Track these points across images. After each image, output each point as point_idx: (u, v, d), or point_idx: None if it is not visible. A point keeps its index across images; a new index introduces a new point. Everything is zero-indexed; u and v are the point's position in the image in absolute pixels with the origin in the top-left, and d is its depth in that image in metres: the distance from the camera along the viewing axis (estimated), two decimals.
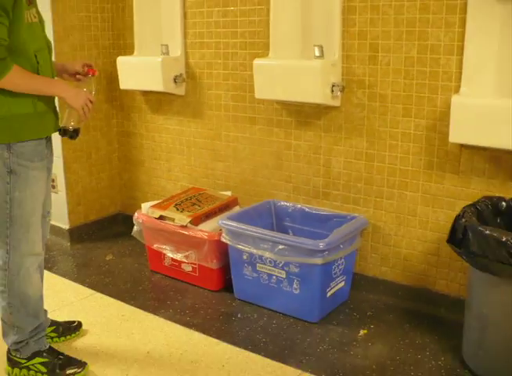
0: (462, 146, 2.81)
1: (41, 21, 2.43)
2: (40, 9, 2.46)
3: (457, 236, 2.38)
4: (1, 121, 2.26)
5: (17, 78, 2.21)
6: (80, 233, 4.19)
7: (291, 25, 3.28)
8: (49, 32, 3.63)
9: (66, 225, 4.14)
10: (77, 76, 2.60)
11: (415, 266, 3.11)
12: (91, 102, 2.46)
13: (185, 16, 3.73)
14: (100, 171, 4.29)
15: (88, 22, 4.03)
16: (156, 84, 3.76)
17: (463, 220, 2.38)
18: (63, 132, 2.48)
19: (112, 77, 4.19)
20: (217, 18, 3.58)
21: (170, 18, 3.85)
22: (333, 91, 3.07)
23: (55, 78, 2.50)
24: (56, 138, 3.50)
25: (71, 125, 2.46)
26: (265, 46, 3.36)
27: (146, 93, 4.09)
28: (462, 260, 2.44)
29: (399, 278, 3.17)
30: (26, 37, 2.27)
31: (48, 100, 2.42)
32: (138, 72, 3.86)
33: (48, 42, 2.47)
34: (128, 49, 4.09)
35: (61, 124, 2.48)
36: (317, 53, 3.08)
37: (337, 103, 3.14)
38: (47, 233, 2.67)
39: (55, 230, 4.10)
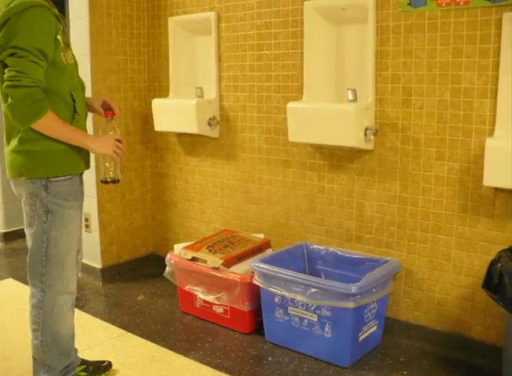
0: (496, 189, 2.78)
1: (76, 63, 2.51)
2: (79, 53, 2.54)
3: (493, 282, 2.34)
4: (37, 156, 2.33)
5: (51, 122, 2.28)
6: (112, 273, 4.22)
7: (325, 69, 3.32)
8: (87, 74, 3.75)
9: (98, 265, 4.17)
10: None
11: (449, 311, 3.05)
12: (120, 142, 2.50)
13: (219, 59, 3.80)
14: (134, 212, 4.34)
15: (124, 65, 4.14)
16: (190, 126, 3.81)
17: (499, 265, 2.34)
18: (105, 182, 2.56)
19: (147, 119, 4.27)
20: (251, 62, 3.64)
21: (205, 61, 3.92)
22: (366, 134, 3.07)
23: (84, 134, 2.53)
24: (91, 178, 3.57)
25: (110, 177, 2.54)
26: (299, 90, 3.39)
27: (180, 135, 4.14)
28: (498, 306, 2.40)
29: (433, 323, 3.12)
30: (63, 77, 2.36)
31: None
32: (173, 114, 3.91)
33: (82, 82, 2.55)
34: (163, 92, 4.16)
35: (101, 177, 2.56)
36: (350, 97, 3.10)
37: (370, 146, 3.15)
38: (78, 271, 2.69)
39: (88, 269, 4.14)
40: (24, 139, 2.32)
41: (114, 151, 2.46)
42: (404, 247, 3.14)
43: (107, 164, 2.53)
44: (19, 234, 5.05)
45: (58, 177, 2.37)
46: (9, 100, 2.20)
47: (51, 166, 2.36)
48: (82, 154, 2.48)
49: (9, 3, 2.21)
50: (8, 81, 2.18)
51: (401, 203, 3.11)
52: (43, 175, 2.35)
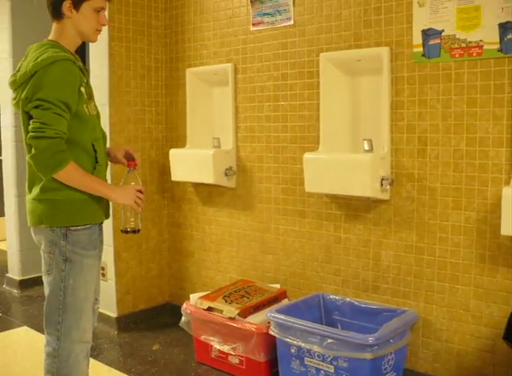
0: None
1: (98, 114, 2.57)
2: (99, 103, 2.59)
3: None
4: (58, 205, 2.36)
5: (72, 172, 2.30)
6: (127, 322, 4.20)
7: (340, 119, 3.35)
8: (106, 124, 3.82)
9: (114, 314, 4.15)
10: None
11: (469, 363, 2.99)
12: (141, 192, 2.52)
13: (236, 110, 3.85)
14: (150, 261, 4.34)
15: (142, 115, 4.21)
16: (207, 176, 3.84)
17: None
18: (125, 232, 2.58)
19: (164, 169, 4.31)
20: (268, 112, 3.68)
21: (222, 112, 3.98)
22: (382, 184, 3.08)
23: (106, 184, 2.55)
24: (108, 226, 3.58)
25: (130, 227, 2.56)
26: (315, 140, 3.42)
27: (197, 185, 4.17)
28: None
29: (453, 375, 3.06)
30: (85, 128, 2.41)
31: None
32: (190, 164, 3.95)
33: (103, 133, 2.60)
34: (180, 142, 4.22)
35: (121, 227, 2.57)
36: (366, 147, 3.12)
37: (386, 196, 3.15)
38: (95, 320, 2.69)
39: (103, 318, 4.12)
40: (46, 187, 2.35)
41: (135, 202, 2.48)
42: (421, 297, 3.11)
43: (128, 214, 2.55)
44: (36, 282, 5.10)
45: (77, 226, 2.39)
46: (33, 151, 2.26)
47: (71, 215, 2.38)
48: (102, 204, 2.50)
49: (37, 57, 2.29)
50: (32, 132, 2.24)
51: (417, 252, 3.09)
52: (63, 223, 2.37)
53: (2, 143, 5.32)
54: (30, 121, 2.27)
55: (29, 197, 2.44)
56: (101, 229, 2.58)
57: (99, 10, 2.44)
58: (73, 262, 2.38)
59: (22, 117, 2.36)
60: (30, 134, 2.24)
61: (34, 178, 2.40)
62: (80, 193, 2.37)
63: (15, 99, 2.39)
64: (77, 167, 2.32)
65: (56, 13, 2.41)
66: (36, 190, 2.38)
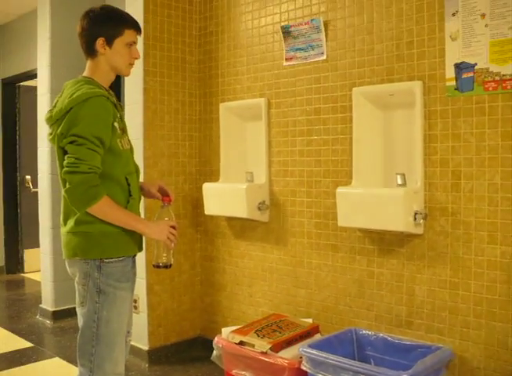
0: None
1: (132, 148, 2.61)
2: (133, 137, 2.64)
3: None
4: (92, 238, 2.39)
5: (106, 207, 2.34)
6: (159, 355, 4.19)
7: (373, 154, 3.35)
8: (140, 158, 3.87)
9: (145, 347, 4.15)
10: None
11: None
12: (174, 228, 2.54)
13: (269, 144, 3.88)
14: (182, 294, 4.34)
15: (176, 149, 4.26)
16: (240, 210, 3.85)
17: None
18: (157, 267, 2.60)
19: (197, 203, 4.34)
20: (301, 147, 3.70)
21: (255, 146, 4.01)
22: (415, 219, 3.05)
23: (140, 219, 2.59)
24: (140, 259, 3.60)
25: (162, 262, 2.59)
26: (348, 174, 3.42)
27: (230, 219, 4.18)
28: None
29: None
30: (119, 162, 2.45)
31: None
32: (223, 198, 3.97)
33: (136, 166, 2.64)
34: (213, 176, 4.24)
35: (153, 262, 2.60)
36: (399, 181, 3.11)
37: (419, 230, 3.12)
38: (127, 352, 2.69)
39: (135, 351, 4.11)
40: (80, 220, 2.39)
41: (168, 237, 2.50)
42: (457, 333, 3.05)
43: (160, 249, 2.57)
44: (68, 313, 5.14)
45: (111, 258, 2.42)
46: (67, 185, 2.31)
47: (105, 248, 2.41)
48: (135, 237, 2.53)
49: (72, 94, 2.35)
50: (67, 167, 2.29)
51: (452, 288, 3.05)
52: (97, 256, 2.39)
53: (39, 176, 5.41)
54: (65, 157, 2.32)
55: (64, 230, 2.47)
56: (134, 262, 2.60)
57: (130, 44, 2.51)
58: (106, 294, 2.40)
59: (57, 152, 2.41)
60: (65, 169, 2.30)
61: (68, 211, 2.44)
62: (113, 227, 2.40)
63: (51, 134, 2.45)
64: (110, 201, 2.35)
65: (90, 51, 2.48)
66: (70, 223, 2.42)
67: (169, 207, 2.64)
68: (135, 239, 2.52)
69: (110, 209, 2.36)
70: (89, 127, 2.30)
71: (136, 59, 2.57)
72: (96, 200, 2.30)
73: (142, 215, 3.91)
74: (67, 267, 2.53)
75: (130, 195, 2.48)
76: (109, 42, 2.45)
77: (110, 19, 2.49)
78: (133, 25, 2.53)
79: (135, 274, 2.62)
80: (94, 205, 2.30)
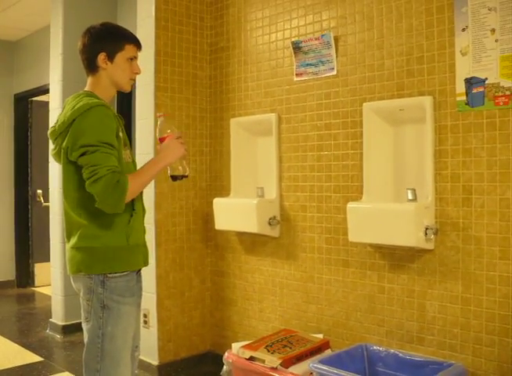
0: None
1: (134, 162, 2.60)
2: (143, 152, 2.63)
3: None
4: (95, 253, 2.38)
5: (135, 186, 2.34)
6: (168, 370, 4.17)
7: (384, 169, 3.35)
8: None
9: (155, 362, 4.14)
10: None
11: None
12: (180, 138, 2.51)
13: (280, 159, 3.88)
14: (192, 309, 4.34)
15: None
16: (250, 225, 3.85)
17: None
18: (174, 179, 2.56)
19: (208, 218, 4.35)
20: (311, 162, 3.70)
21: (266, 161, 4.01)
22: (426, 234, 3.05)
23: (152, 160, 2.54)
24: (150, 274, 3.60)
25: (179, 173, 2.53)
26: (359, 189, 3.42)
27: (240, 234, 4.18)
28: None
29: None
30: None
31: (140, 235, 2.53)
32: (234, 213, 3.97)
33: None
34: (224, 191, 4.25)
35: (170, 174, 2.54)
36: (410, 196, 3.10)
37: (430, 246, 3.11)
38: (135, 367, 2.68)
39: (144, 366, 4.11)
40: (83, 235, 2.38)
41: (184, 150, 2.50)
42: (469, 350, 3.03)
43: (174, 164, 2.52)
44: (78, 328, 5.04)
45: (115, 273, 2.40)
46: (96, 199, 2.28)
47: (109, 263, 2.39)
48: (141, 251, 2.53)
49: (73, 106, 2.35)
50: (87, 179, 2.27)
51: (464, 303, 3.03)
52: (101, 271, 2.38)
53: (50, 190, 5.44)
54: (83, 171, 2.30)
55: (68, 246, 2.47)
56: (139, 276, 2.59)
57: (131, 59, 2.52)
58: (110, 309, 2.39)
59: (63, 167, 2.41)
60: (86, 182, 2.27)
61: (71, 227, 2.44)
62: (117, 241, 2.40)
63: (54, 149, 2.45)
64: (134, 179, 2.34)
65: (92, 66, 2.49)
66: (74, 239, 2.41)
67: (167, 119, 2.58)
68: (139, 253, 2.52)
69: (139, 184, 2.37)
70: (96, 135, 2.29)
71: (137, 74, 2.57)
72: (125, 191, 2.28)
73: (152, 205, 3.91)
74: (72, 283, 2.52)
75: (133, 209, 2.46)
76: (111, 57, 2.47)
77: (111, 34, 2.51)
78: (133, 40, 2.54)
79: (140, 289, 2.60)
80: (127, 196, 2.30)
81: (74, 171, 2.36)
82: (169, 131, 2.53)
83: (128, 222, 2.43)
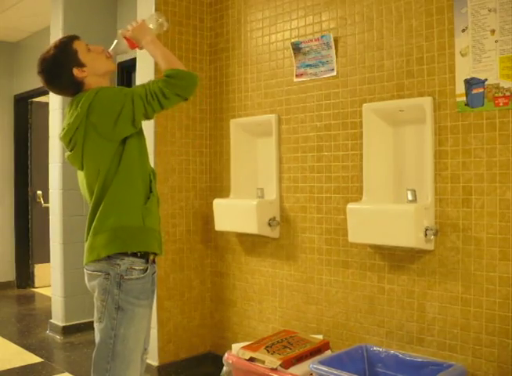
0: None
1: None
2: None
3: None
4: (113, 233, 2.39)
5: (174, 65, 2.48)
6: (168, 371, 4.17)
7: (384, 169, 3.35)
8: None
9: (155, 362, 4.14)
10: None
11: None
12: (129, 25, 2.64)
13: (280, 160, 3.88)
14: (192, 310, 4.34)
15: (187, 165, 4.27)
16: (250, 226, 3.85)
17: None
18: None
19: (208, 219, 4.35)
20: (311, 163, 3.70)
21: (265, 162, 4.01)
22: (426, 235, 3.05)
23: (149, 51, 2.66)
24: None
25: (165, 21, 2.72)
26: (359, 190, 3.42)
27: (240, 235, 4.18)
28: None
29: None
30: (144, 158, 2.53)
31: (155, 220, 2.53)
32: (234, 214, 3.97)
33: (153, 169, 2.65)
34: (224, 192, 4.25)
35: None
36: (410, 197, 3.11)
37: (430, 246, 3.11)
38: (142, 370, 2.66)
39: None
40: (101, 217, 2.40)
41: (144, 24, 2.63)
42: (469, 350, 3.03)
43: (153, 22, 2.68)
44: (78, 328, 5.14)
45: (132, 275, 2.39)
46: (182, 96, 2.46)
47: (126, 241, 2.40)
48: (155, 235, 2.53)
49: (80, 100, 2.39)
50: (159, 104, 2.41)
51: (464, 304, 3.03)
52: (118, 250, 2.38)
53: (50, 191, 5.43)
54: (148, 109, 2.40)
55: (88, 237, 2.46)
56: (154, 279, 2.57)
57: (88, 49, 2.53)
58: (125, 311, 2.38)
59: (89, 146, 2.41)
60: (163, 108, 2.45)
61: (90, 222, 2.44)
62: (133, 221, 2.42)
63: (72, 149, 2.45)
64: (166, 65, 2.49)
65: (77, 85, 2.50)
66: (93, 226, 2.41)
67: (117, 38, 2.66)
68: (154, 237, 2.51)
69: (169, 61, 2.50)
70: (117, 95, 2.38)
71: (103, 50, 2.58)
72: (179, 71, 2.43)
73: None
74: (86, 281, 2.50)
75: (150, 191, 2.49)
76: (79, 63, 2.47)
77: (59, 54, 2.48)
78: (71, 38, 2.54)
79: (153, 291, 2.59)
80: (177, 67, 2.44)
81: (111, 149, 2.40)
82: (122, 39, 2.62)
83: (145, 203, 2.45)
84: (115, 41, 2.63)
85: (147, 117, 2.44)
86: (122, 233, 2.39)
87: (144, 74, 4.12)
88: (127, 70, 5.41)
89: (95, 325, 2.46)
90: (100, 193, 2.40)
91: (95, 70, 2.50)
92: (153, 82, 2.40)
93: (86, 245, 2.46)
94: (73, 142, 2.42)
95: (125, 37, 2.61)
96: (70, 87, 2.50)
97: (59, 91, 2.58)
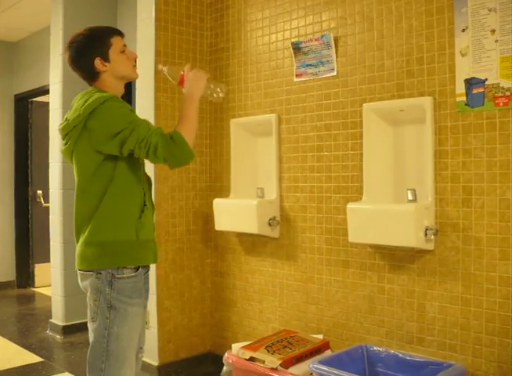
0: None
1: (143, 160, 2.58)
2: None
3: None
4: (106, 247, 2.38)
5: (187, 131, 2.41)
6: (168, 371, 4.17)
7: (384, 169, 3.35)
8: (151, 173, 3.84)
9: (155, 362, 4.14)
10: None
11: None
12: (194, 68, 2.56)
13: (280, 160, 3.88)
14: (192, 310, 4.34)
15: (186, 165, 4.24)
16: (250, 226, 3.85)
17: None
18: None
19: (208, 219, 4.35)
20: (311, 163, 3.70)
21: (266, 162, 4.01)
22: (426, 234, 3.05)
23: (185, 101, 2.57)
24: (151, 275, 3.60)
25: (216, 94, 2.63)
26: (359, 190, 3.42)
27: (240, 235, 4.18)
28: None
29: None
30: (138, 171, 2.49)
31: (149, 231, 2.53)
32: (234, 214, 3.97)
33: (149, 178, 2.65)
34: (224, 191, 4.25)
35: (214, 99, 2.65)
36: (410, 197, 3.11)
37: (430, 246, 3.11)
38: (138, 368, 2.67)
39: (144, 366, 4.06)
40: (93, 230, 2.39)
41: (206, 78, 2.54)
42: (469, 350, 3.02)
43: (211, 87, 2.60)
44: (79, 328, 5.15)
45: (123, 274, 2.40)
46: (169, 164, 2.39)
47: (118, 257, 2.39)
48: (150, 246, 2.53)
49: (86, 100, 2.36)
50: (147, 155, 2.34)
51: (464, 304, 3.03)
52: (110, 265, 2.37)
53: (50, 191, 5.44)
54: (135, 152, 2.34)
55: (78, 243, 2.46)
56: (147, 278, 2.58)
57: (123, 50, 2.52)
58: (117, 310, 2.38)
59: (80, 157, 2.41)
60: (149, 158, 2.35)
61: (80, 223, 2.45)
62: (127, 235, 2.41)
63: (66, 144, 2.43)
64: (182, 127, 2.41)
65: (92, 75, 2.50)
66: (84, 234, 2.41)
67: (170, 66, 2.63)
68: (148, 249, 2.51)
69: (189, 126, 2.43)
70: (124, 117, 2.34)
71: (136, 58, 2.58)
72: (184, 140, 2.34)
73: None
74: (79, 281, 2.51)
75: (144, 204, 2.48)
76: (106, 58, 2.47)
77: (94, 38, 2.49)
78: (115, 32, 2.54)
79: (147, 290, 2.60)
80: (189, 141, 2.37)
81: (96, 159, 2.38)
82: (180, 71, 2.56)
83: (139, 217, 2.44)
84: (177, 67, 2.59)
85: (131, 155, 2.39)
86: (115, 247, 2.39)
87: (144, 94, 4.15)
88: None
89: (89, 325, 2.46)
90: (95, 202, 2.40)
91: (115, 71, 2.50)
92: (157, 132, 2.35)
93: (77, 252, 2.47)
94: (67, 137, 2.42)
95: (183, 73, 2.54)
96: (85, 72, 2.50)
97: (74, 69, 2.53)
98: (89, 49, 2.46)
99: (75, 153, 2.41)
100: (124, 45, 2.54)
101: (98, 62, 2.45)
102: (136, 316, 2.46)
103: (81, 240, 2.43)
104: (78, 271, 2.48)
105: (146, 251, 2.49)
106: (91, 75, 2.49)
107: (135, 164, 2.46)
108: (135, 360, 2.56)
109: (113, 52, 2.48)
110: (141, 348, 2.63)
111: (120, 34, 2.56)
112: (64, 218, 5.17)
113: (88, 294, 2.44)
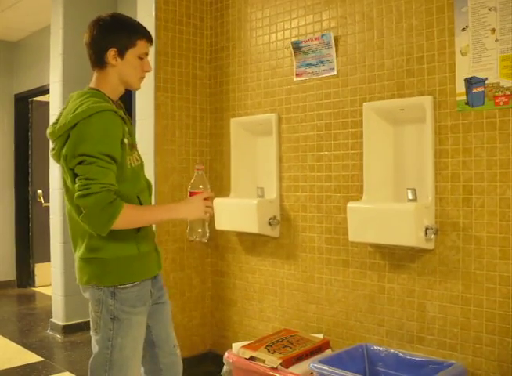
0: None
1: (142, 163, 2.48)
2: (144, 152, 2.60)
3: None
4: (106, 264, 2.29)
5: (129, 217, 2.20)
6: None
7: (384, 169, 3.35)
8: (151, 173, 3.88)
9: None
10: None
11: None
12: (209, 199, 2.41)
13: (280, 159, 3.88)
14: (193, 309, 4.34)
15: (187, 164, 4.26)
16: (251, 225, 3.84)
17: None
18: (192, 240, 2.49)
19: None
20: (311, 162, 3.70)
21: (266, 161, 4.01)
22: (426, 234, 3.05)
23: (170, 207, 2.48)
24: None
25: (198, 236, 2.44)
26: (359, 189, 3.42)
27: (240, 234, 4.18)
28: None
29: None
30: (129, 181, 2.32)
31: (150, 241, 2.45)
32: (234, 213, 3.97)
33: (148, 182, 2.52)
34: (224, 191, 4.25)
35: (188, 237, 2.47)
36: (410, 196, 3.10)
37: (430, 245, 3.11)
38: (180, 368, 2.66)
39: None
40: (91, 246, 2.28)
41: (205, 212, 2.38)
42: (469, 349, 3.02)
43: (194, 224, 2.43)
44: (79, 327, 5.15)
45: (125, 284, 2.31)
46: (83, 211, 2.16)
47: (120, 273, 2.30)
48: (153, 257, 2.45)
49: (76, 108, 2.22)
50: (79, 191, 2.14)
51: (464, 303, 3.02)
52: (112, 282, 2.29)
53: (50, 190, 5.44)
54: (76, 180, 2.18)
55: (76, 256, 2.37)
56: (156, 280, 2.49)
57: (142, 57, 2.39)
58: (121, 321, 2.29)
59: (64, 169, 2.29)
60: (77, 193, 2.15)
61: (76, 236, 2.35)
62: (128, 250, 2.31)
63: (53, 149, 2.31)
64: (131, 209, 2.21)
65: (99, 62, 2.35)
66: (81, 249, 2.32)
67: (202, 174, 2.45)
68: (151, 260, 2.43)
69: (135, 217, 2.24)
70: (97, 145, 2.15)
71: (148, 72, 2.44)
72: (115, 216, 2.14)
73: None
74: (81, 291, 2.42)
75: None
76: (122, 54, 2.33)
77: (122, 28, 2.37)
78: (146, 35, 2.41)
79: (159, 289, 2.52)
80: (116, 222, 2.15)
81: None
82: (201, 186, 2.43)
83: (138, 230, 2.34)
84: (204, 180, 2.46)
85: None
86: (116, 264, 2.30)
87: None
88: None
89: (92, 335, 2.37)
90: None
91: (122, 73, 2.36)
92: (105, 186, 2.15)
93: (76, 264, 2.37)
94: (54, 144, 2.30)
95: (199, 192, 2.39)
96: (96, 55, 2.36)
97: (89, 47, 2.38)
98: (111, 35, 2.35)
99: (62, 160, 2.27)
100: (146, 54, 2.42)
101: (111, 53, 2.32)
102: (140, 324, 2.38)
103: (79, 254, 2.33)
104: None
105: (149, 262, 2.42)
106: (99, 61, 2.35)
107: (129, 173, 2.33)
108: (174, 357, 2.59)
109: (131, 53, 2.35)
110: (174, 346, 2.61)
111: (150, 40, 2.44)
112: (64, 217, 5.12)
113: (90, 305, 2.35)
